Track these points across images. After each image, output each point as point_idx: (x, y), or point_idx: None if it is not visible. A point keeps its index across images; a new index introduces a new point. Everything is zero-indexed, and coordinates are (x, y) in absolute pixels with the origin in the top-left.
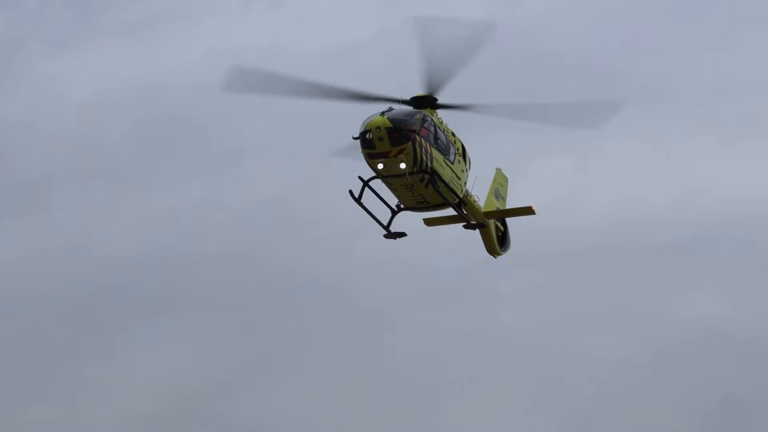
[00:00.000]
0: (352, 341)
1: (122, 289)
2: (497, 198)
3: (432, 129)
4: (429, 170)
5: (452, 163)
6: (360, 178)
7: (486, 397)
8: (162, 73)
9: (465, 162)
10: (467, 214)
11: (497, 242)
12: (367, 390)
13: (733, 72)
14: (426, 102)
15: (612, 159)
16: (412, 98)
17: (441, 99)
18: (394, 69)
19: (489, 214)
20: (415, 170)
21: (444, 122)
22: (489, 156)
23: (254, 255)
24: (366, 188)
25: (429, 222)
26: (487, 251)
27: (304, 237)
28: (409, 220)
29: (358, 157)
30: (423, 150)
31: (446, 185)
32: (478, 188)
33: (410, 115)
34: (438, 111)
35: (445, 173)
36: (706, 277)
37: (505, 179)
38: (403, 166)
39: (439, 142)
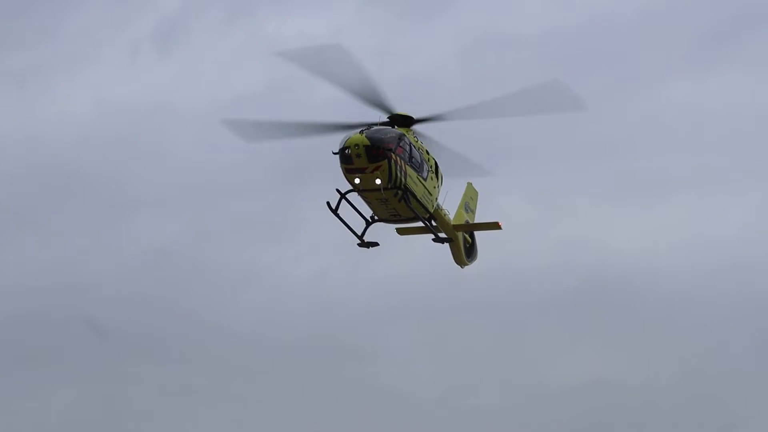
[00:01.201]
0: (238, 389)
1: (3, 338)
2: (467, 211)
3: (407, 148)
4: (402, 187)
5: (425, 180)
6: (338, 190)
7: None
8: (47, 122)
9: (437, 179)
10: (437, 227)
11: (465, 253)
12: None
13: (616, 129)
14: (403, 121)
15: (496, 213)
16: (389, 117)
17: (416, 115)
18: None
19: (458, 227)
20: (389, 186)
21: (419, 141)
22: None
23: (140, 303)
24: (342, 200)
25: (402, 232)
26: (455, 261)
27: (189, 286)
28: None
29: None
30: (398, 167)
31: (418, 201)
32: (448, 202)
33: (387, 133)
34: (416, 128)
35: (418, 190)
36: (588, 331)
37: (476, 193)
38: (378, 182)
39: (413, 160)
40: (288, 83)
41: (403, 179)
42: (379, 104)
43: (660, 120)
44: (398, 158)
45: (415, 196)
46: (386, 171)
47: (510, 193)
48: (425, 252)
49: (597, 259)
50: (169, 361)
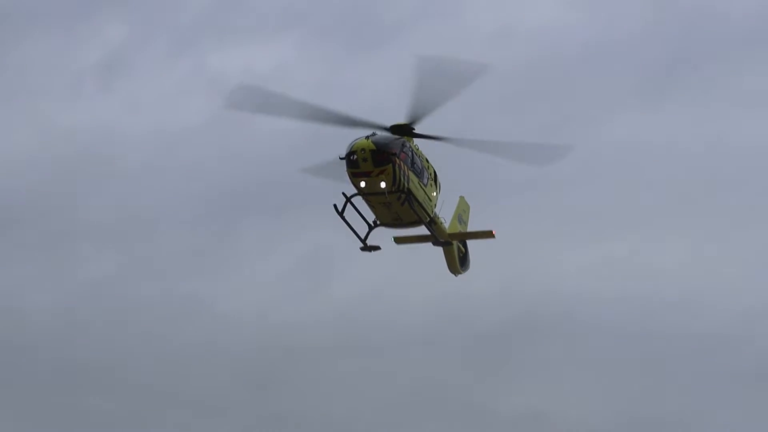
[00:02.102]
0: (178, 421)
1: None
2: (460, 222)
3: (410, 154)
4: (405, 190)
5: (425, 186)
6: (344, 194)
7: None
8: None
9: (436, 186)
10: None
11: (458, 262)
12: None
13: (559, 164)
14: (404, 130)
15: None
16: (391, 126)
17: (417, 129)
18: (225, 155)
19: (453, 236)
20: (393, 189)
21: (420, 149)
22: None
23: (79, 334)
24: (348, 204)
25: (399, 240)
26: (449, 270)
27: (130, 316)
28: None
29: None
30: (401, 172)
31: (420, 204)
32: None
33: (392, 140)
34: (414, 139)
35: (419, 194)
36: (529, 364)
37: (468, 206)
38: (383, 185)
39: (415, 166)
40: (230, 116)
41: (406, 183)
42: (419, 119)
43: (603, 156)
44: (402, 163)
45: (417, 200)
46: (391, 175)
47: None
48: (368, 283)
49: (538, 293)
50: (109, 392)
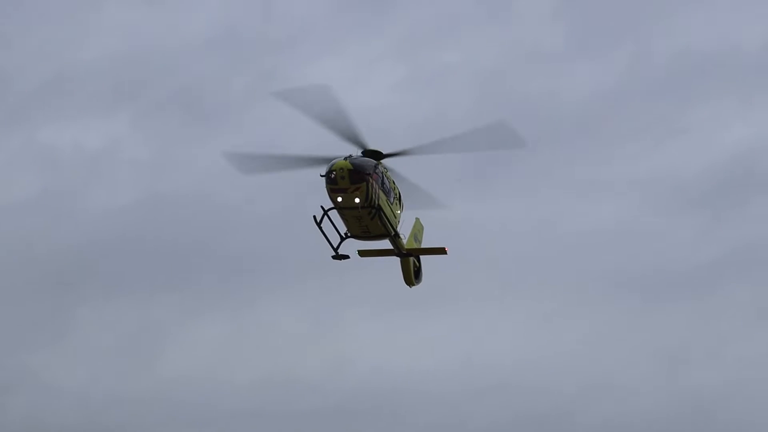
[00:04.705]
0: None
1: None
2: (415, 240)
3: (381, 175)
4: (376, 206)
5: (391, 204)
6: (322, 207)
7: None
8: None
9: (400, 206)
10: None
11: (413, 275)
12: None
13: None
14: (375, 154)
15: (265, 328)
16: (364, 151)
17: (385, 151)
18: (55, 230)
19: (410, 251)
20: (365, 204)
21: (388, 172)
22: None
23: None
24: (325, 216)
25: (363, 253)
26: (405, 282)
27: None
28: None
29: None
30: (373, 190)
31: (387, 219)
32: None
33: (366, 161)
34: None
35: (387, 211)
36: None
37: (422, 227)
38: (357, 200)
39: (384, 186)
40: (61, 191)
41: (376, 200)
42: (355, 140)
43: (433, 237)
44: (374, 183)
45: (384, 215)
46: (364, 192)
47: (281, 307)
48: (200, 358)
49: (364, 375)
50: None
